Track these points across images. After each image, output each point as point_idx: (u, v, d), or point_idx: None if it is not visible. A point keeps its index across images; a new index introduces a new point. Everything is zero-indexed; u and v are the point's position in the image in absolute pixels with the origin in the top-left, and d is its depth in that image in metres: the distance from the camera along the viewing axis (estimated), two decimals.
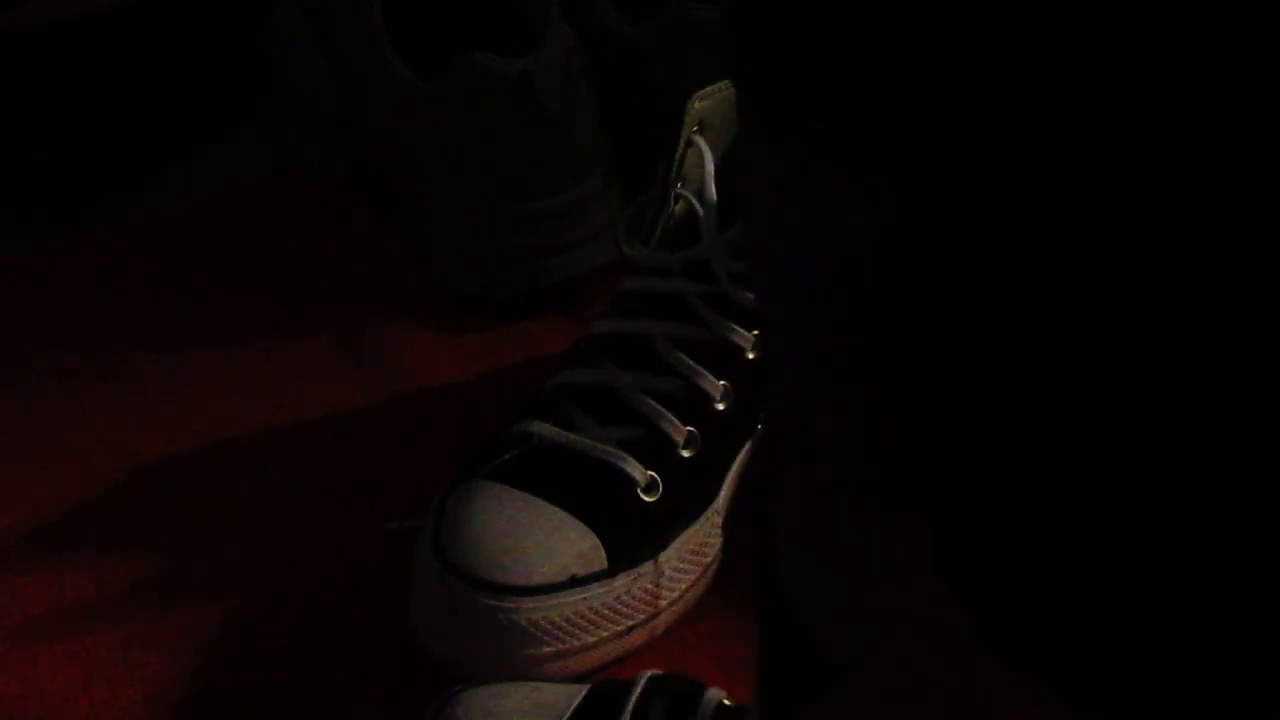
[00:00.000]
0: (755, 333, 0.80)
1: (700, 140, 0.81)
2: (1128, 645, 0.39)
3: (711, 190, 0.80)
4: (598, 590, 0.76)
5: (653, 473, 0.78)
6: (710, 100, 0.81)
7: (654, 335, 0.80)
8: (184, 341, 0.93)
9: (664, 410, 0.78)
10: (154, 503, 0.85)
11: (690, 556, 0.79)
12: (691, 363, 0.79)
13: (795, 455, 0.43)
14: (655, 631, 0.78)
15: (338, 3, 0.97)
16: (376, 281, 0.96)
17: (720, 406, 0.79)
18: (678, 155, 0.81)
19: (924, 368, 0.38)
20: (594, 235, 0.93)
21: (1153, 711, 0.39)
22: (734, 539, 0.81)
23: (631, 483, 0.77)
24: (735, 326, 0.80)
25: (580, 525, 0.76)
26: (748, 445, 0.81)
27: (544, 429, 0.78)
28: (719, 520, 0.80)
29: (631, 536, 0.77)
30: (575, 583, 0.75)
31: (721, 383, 0.79)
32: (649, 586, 0.77)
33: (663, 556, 0.77)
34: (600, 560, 0.76)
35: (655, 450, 0.78)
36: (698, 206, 0.80)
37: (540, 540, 0.75)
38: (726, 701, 0.70)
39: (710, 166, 0.80)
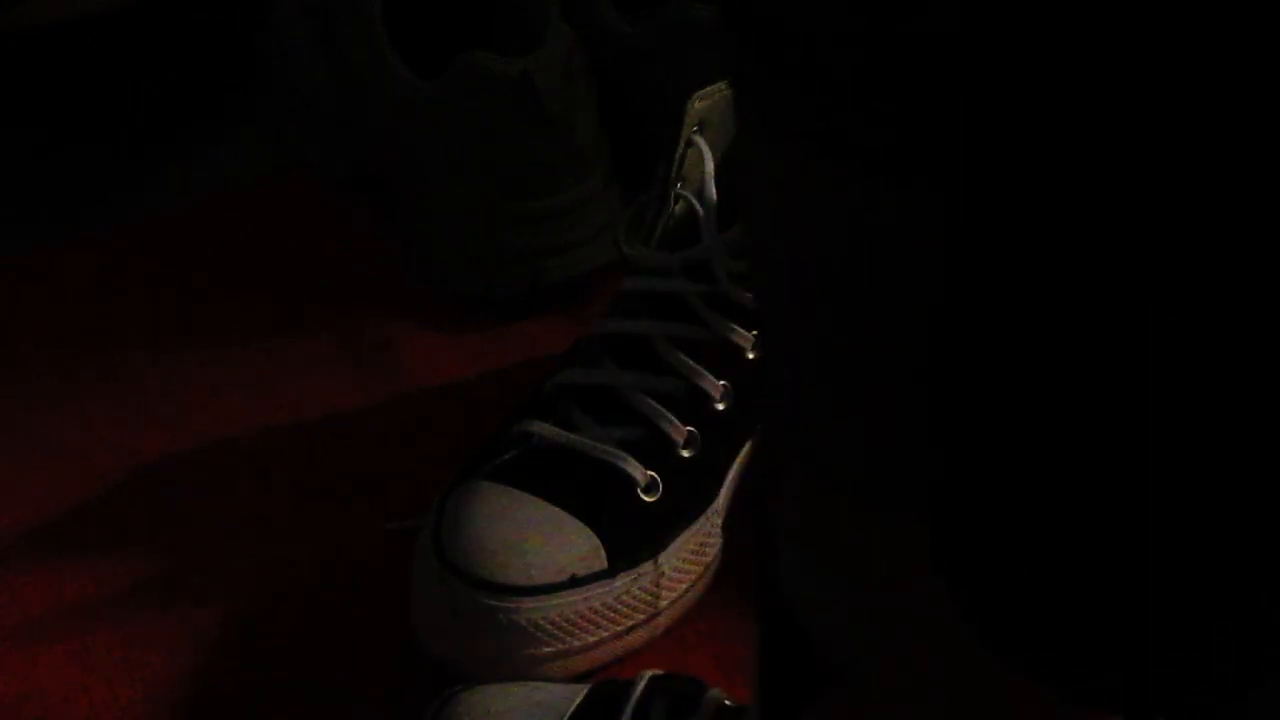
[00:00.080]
0: (755, 333, 0.80)
1: (700, 140, 0.81)
2: (1128, 645, 0.39)
3: (711, 190, 0.80)
4: (598, 590, 0.75)
5: (653, 473, 0.78)
6: (710, 100, 0.81)
7: (654, 335, 0.80)
8: (184, 341, 0.93)
9: (664, 410, 0.78)
10: (154, 503, 0.85)
11: (690, 556, 0.79)
12: (691, 363, 0.79)
13: (795, 455, 0.43)
14: (655, 631, 0.78)
15: (338, 3, 0.97)
16: (376, 281, 0.96)
17: (720, 406, 0.79)
18: (678, 155, 0.81)
19: (924, 367, 0.38)
20: (594, 235, 0.93)
21: (1153, 711, 0.39)
22: (734, 539, 0.81)
23: (631, 483, 0.77)
24: (735, 326, 0.80)
25: (580, 525, 0.76)
26: (748, 445, 0.81)
27: (544, 429, 0.78)
28: (719, 520, 0.80)
29: (631, 536, 0.77)
30: (575, 583, 0.75)
31: (721, 383, 0.79)
32: (649, 586, 0.77)
33: (663, 556, 0.77)
34: (600, 560, 0.76)
35: (655, 450, 0.78)
36: (698, 206, 0.80)
37: (540, 540, 0.75)
38: (727, 702, 0.70)
39: (710, 166, 0.80)
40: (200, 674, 0.78)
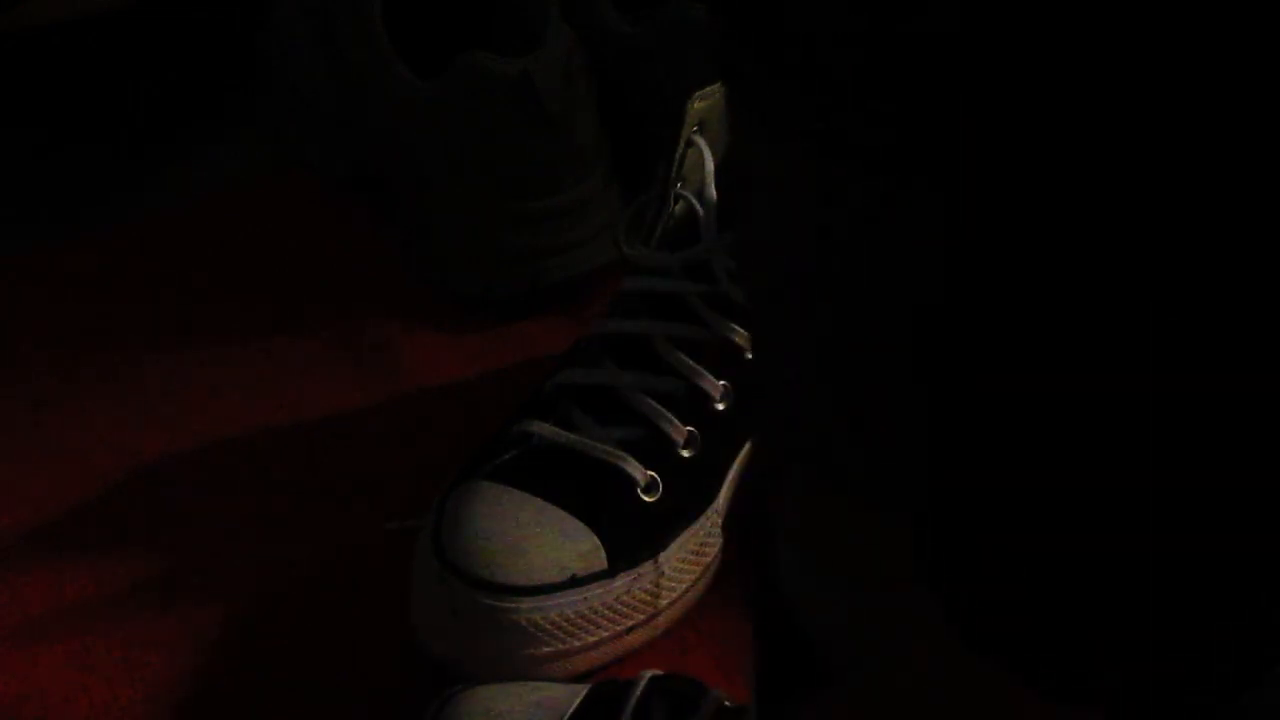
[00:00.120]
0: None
1: (700, 140, 0.81)
2: (1127, 645, 0.39)
3: (711, 190, 0.80)
4: (598, 590, 0.75)
5: (653, 473, 0.78)
6: (710, 100, 0.81)
7: (654, 335, 0.80)
8: (184, 341, 0.93)
9: (664, 410, 0.78)
10: (154, 503, 0.85)
11: (690, 556, 0.79)
12: (691, 363, 0.79)
13: (795, 455, 0.43)
14: (655, 631, 0.78)
15: (338, 3, 0.97)
16: (376, 281, 0.96)
17: (720, 406, 0.79)
18: (678, 155, 0.81)
19: (924, 367, 0.37)
20: (594, 235, 0.93)
21: (1153, 711, 0.39)
22: (734, 539, 0.81)
23: (631, 483, 0.77)
24: (735, 326, 0.80)
25: (580, 525, 0.76)
26: (748, 445, 0.81)
27: (544, 429, 0.78)
28: (719, 520, 0.80)
29: (631, 536, 0.77)
30: (575, 583, 0.75)
31: (721, 383, 0.79)
32: (649, 586, 0.77)
33: (663, 556, 0.77)
34: (600, 560, 0.76)
35: (655, 450, 0.78)
36: (698, 206, 0.80)
37: (540, 540, 0.75)
38: (727, 703, 0.70)
39: (710, 166, 0.80)
40: (200, 674, 0.78)
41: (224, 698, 0.77)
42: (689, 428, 0.79)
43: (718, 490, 0.80)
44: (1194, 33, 0.32)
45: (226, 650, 0.79)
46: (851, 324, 0.39)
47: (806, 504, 0.43)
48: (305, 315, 0.94)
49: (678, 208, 0.82)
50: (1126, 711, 0.40)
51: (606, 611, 0.76)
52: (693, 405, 0.79)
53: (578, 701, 0.71)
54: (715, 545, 0.80)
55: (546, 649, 0.75)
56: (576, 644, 0.75)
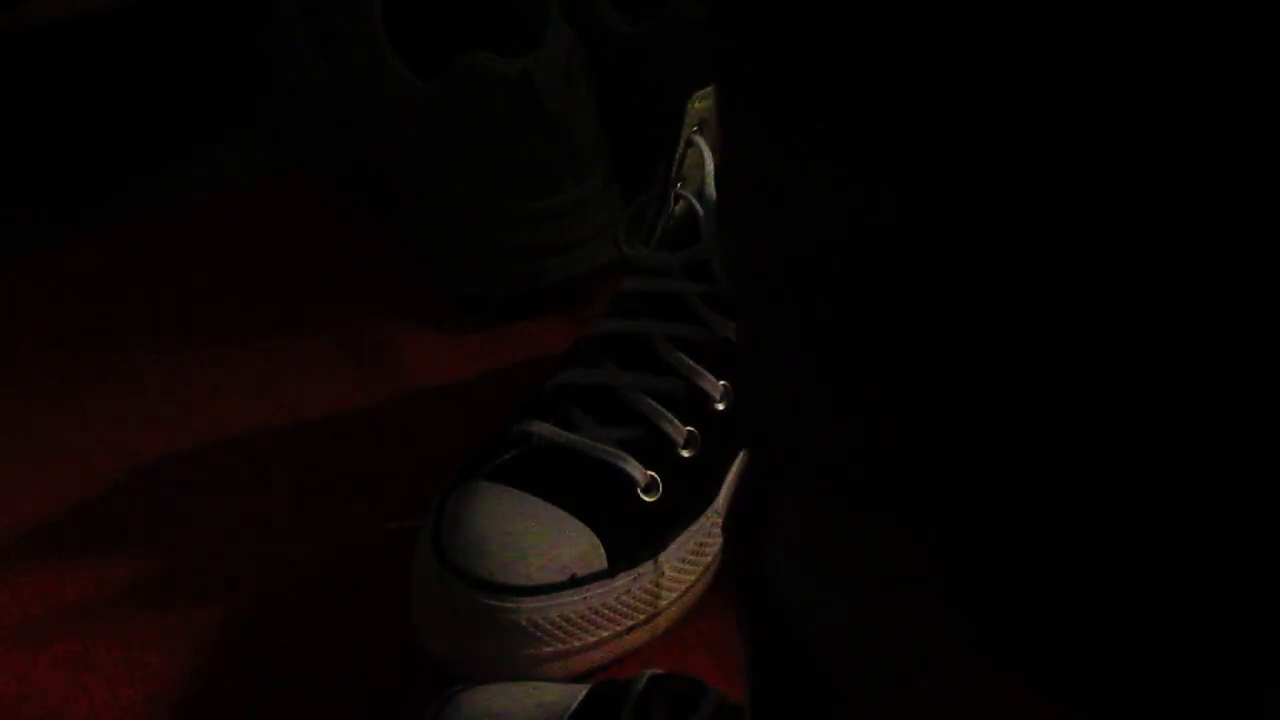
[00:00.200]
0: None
1: (700, 140, 0.81)
2: (1128, 645, 0.39)
3: (711, 190, 0.80)
4: (598, 590, 0.75)
5: (653, 473, 0.78)
6: (710, 100, 0.81)
7: (654, 335, 0.80)
8: (184, 341, 0.93)
9: (664, 410, 0.78)
10: (154, 503, 0.85)
11: (690, 556, 0.79)
12: (691, 363, 0.79)
13: (793, 456, 0.43)
14: (655, 631, 0.78)
15: (338, 3, 0.97)
16: (376, 281, 0.96)
17: (720, 406, 0.79)
18: (678, 155, 0.81)
19: (923, 367, 0.37)
20: (594, 235, 0.93)
21: (1153, 711, 0.39)
22: (732, 539, 0.81)
23: (631, 483, 0.77)
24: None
25: (580, 525, 0.76)
26: None
27: (544, 429, 0.78)
28: (719, 520, 0.80)
29: (631, 536, 0.77)
30: (575, 583, 0.75)
31: (721, 383, 0.79)
32: (649, 586, 0.77)
33: (663, 556, 0.77)
34: (600, 560, 0.76)
35: (655, 450, 0.78)
36: (698, 206, 0.80)
37: (540, 540, 0.75)
38: (727, 702, 0.70)
39: (710, 166, 0.80)
40: (200, 674, 0.78)
41: (224, 698, 0.77)
42: (689, 428, 0.79)
43: (718, 490, 0.80)
44: (1194, 33, 0.32)
45: (226, 650, 0.79)
46: (851, 324, 0.38)
47: (806, 505, 0.43)
48: (305, 315, 0.94)
49: (678, 208, 0.82)
50: (1127, 712, 0.40)
51: (606, 611, 0.76)
52: (693, 405, 0.79)
53: (578, 701, 0.71)
54: (715, 545, 0.80)
55: (546, 649, 0.75)
56: (576, 644, 0.75)
